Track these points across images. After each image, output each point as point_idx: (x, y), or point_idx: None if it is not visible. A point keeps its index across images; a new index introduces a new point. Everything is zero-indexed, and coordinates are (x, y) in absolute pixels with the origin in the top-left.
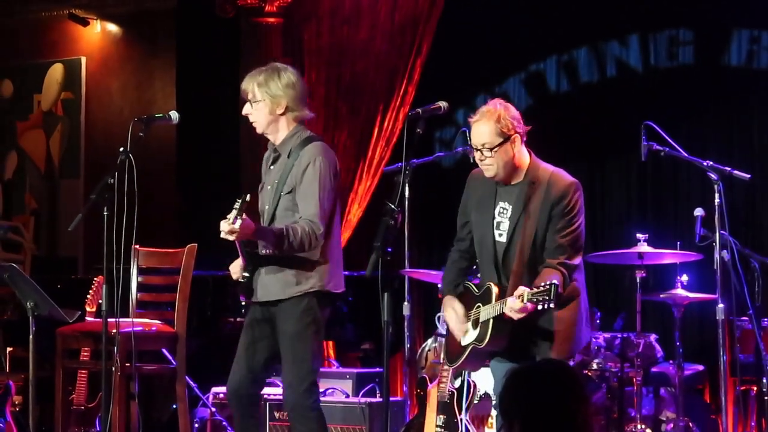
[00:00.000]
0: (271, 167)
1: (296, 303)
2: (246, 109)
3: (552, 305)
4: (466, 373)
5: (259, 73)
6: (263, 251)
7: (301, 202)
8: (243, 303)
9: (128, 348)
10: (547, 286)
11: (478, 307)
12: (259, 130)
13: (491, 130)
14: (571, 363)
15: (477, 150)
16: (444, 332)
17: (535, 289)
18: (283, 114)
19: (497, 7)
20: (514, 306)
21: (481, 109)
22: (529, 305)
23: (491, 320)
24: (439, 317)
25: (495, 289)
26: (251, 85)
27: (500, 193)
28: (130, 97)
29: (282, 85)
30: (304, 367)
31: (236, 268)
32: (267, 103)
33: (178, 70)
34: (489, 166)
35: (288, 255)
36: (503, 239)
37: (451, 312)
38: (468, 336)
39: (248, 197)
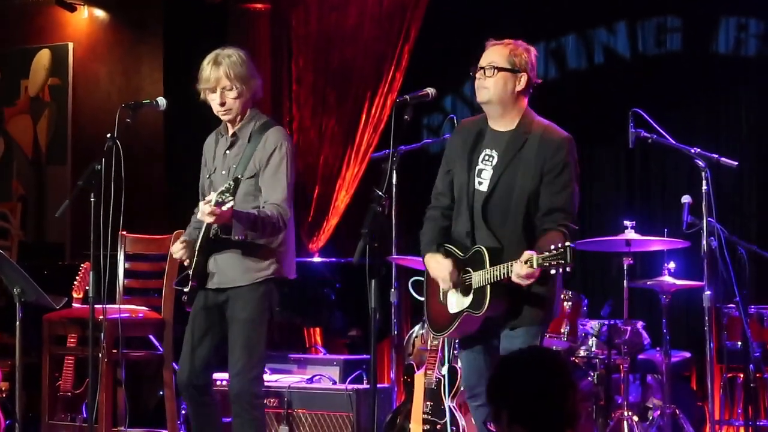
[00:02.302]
0: (227, 152)
1: (255, 289)
2: (221, 98)
3: (568, 269)
4: (453, 358)
5: (228, 58)
6: (224, 236)
7: (266, 187)
8: (186, 291)
9: (115, 334)
10: (561, 249)
11: (467, 272)
12: (229, 117)
13: (504, 54)
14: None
15: (480, 69)
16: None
17: (546, 253)
18: (248, 99)
19: None
20: (521, 272)
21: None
22: (538, 271)
23: (488, 287)
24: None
25: (487, 253)
26: (222, 72)
27: (488, 139)
28: (117, 83)
29: (249, 72)
30: (256, 354)
31: (181, 250)
32: (242, 90)
33: (165, 56)
34: (485, 88)
35: (250, 241)
36: (483, 188)
37: (437, 264)
38: (457, 302)
39: (238, 180)
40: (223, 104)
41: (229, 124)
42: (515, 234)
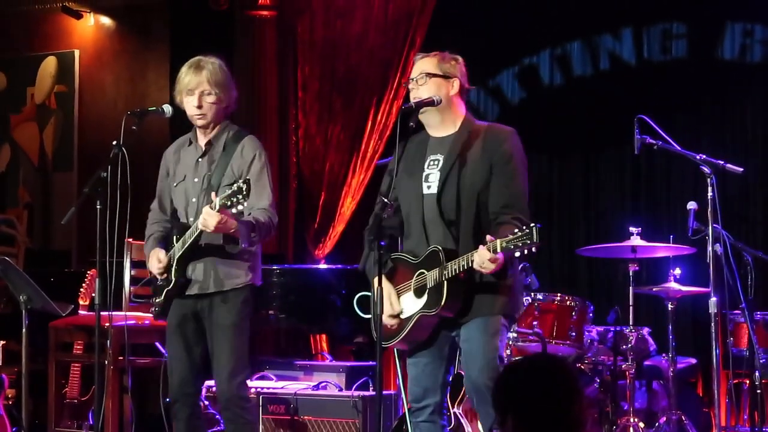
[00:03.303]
0: (199, 160)
1: (236, 295)
2: (199, 101)
3: (534, 250)
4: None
5: (209, 64)
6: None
7: (252, 194)
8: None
9: (121, 341)
10: (526, 229)
11: (422, 273)
12: (203, 122)
13: (433, 62)
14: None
15: (412, 80)
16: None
17: (511, 236)
18: (223, 108)
19: (490, 0)
20: (485, 258)
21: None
22: (501, 256)
23: (445, 283)
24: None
25: (442, 252)
26: (204, 77)
27: (431, 147)
28: (123, 91)
29: (228, 81)
30: (242, 358)
31: (158, 263)
32: (220, 97)
33: (171, 64)
34: (417, 99)
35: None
36: (433, 190)
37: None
38: (410, 306)
39: (249, 181)
40: (200, 107)
41: (200, 133)
42: (468, 232)
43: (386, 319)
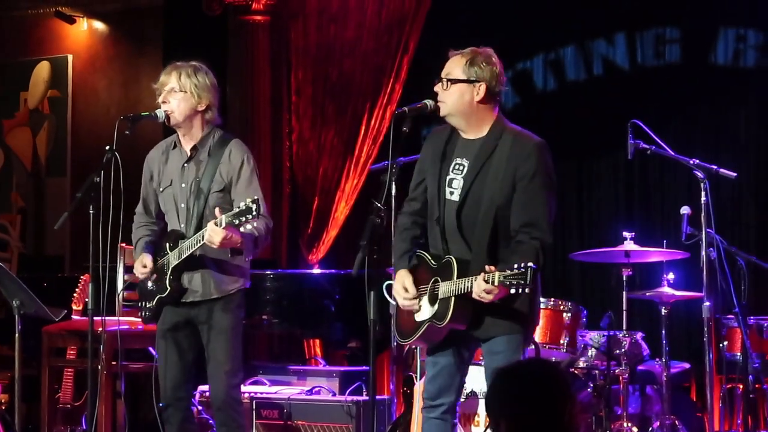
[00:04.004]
0: (185, 165)
1: (231, 300)
2: (164, 97)
3: (527, 290)
4: None
5: (185, 66)
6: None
7: (245, 198)
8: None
9: (114, 346)
10: (523, 269)
11: (436, 281)
12: (172, 122)
13: (460, 65)
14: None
15: (439, 82)
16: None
17: (509, 272)
18: (202, 112)
19: (484, 6)
20: (482, 288)
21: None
22: (499, 289)
23: (453, 298)
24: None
25: (455, 264)
26: (174, 76)
27: (459, 149)
28: (116, 96)
29: (209, 84)
30: (237, 362)
31: (143, 268)
32: (191, 96)
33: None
34: (443, 102)
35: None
36: (455, 198)
37: (401, 289)
38: (424, 312)
39: (253, 206)
40: (165, 103)
41: (183, 138)
42: (482, 245)
43: (403, 302)
